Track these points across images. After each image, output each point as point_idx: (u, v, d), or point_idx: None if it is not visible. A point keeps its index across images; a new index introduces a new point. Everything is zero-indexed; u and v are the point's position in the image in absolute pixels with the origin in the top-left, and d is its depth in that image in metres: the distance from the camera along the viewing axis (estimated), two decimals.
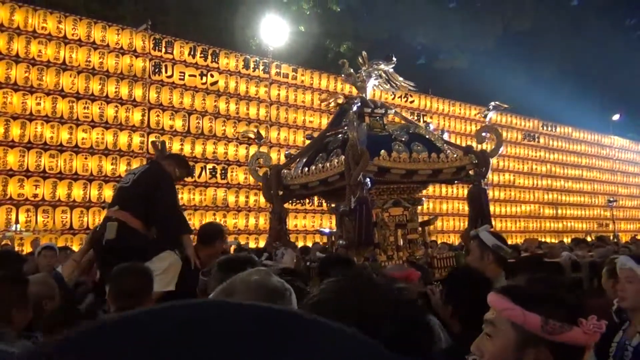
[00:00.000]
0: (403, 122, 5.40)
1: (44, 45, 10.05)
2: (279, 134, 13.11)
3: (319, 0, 19.76)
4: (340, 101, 5.06)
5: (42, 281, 2.92)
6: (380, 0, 22.14)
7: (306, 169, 4.68)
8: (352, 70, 5.17)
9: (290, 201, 5.28)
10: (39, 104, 9.88)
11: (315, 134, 13.26)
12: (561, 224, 19.85)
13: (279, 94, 13.30)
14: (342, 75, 5.04)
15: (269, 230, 5.15)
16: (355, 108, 4.43)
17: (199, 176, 11.64)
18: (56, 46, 10.17)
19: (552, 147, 20.48)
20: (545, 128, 20.47)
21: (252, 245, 11.32)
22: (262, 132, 12.73)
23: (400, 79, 5.18)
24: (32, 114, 9.82)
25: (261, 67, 13.09)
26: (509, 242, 13.66)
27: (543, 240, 15.87)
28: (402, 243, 4.49)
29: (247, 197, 12.05)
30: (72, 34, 10.38)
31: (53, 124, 9.98)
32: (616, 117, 24.52)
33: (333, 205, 4.94)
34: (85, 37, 10.51)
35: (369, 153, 4.08)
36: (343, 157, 4.18)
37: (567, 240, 15.15)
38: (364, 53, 5.19)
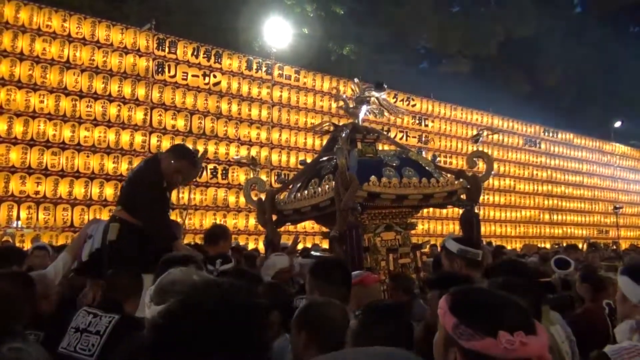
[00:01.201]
0: (396, 148, 5.41)
1: (48, 43, 10.10)
2: (280, 135, 13.15)
3: (322, 2, 19.82)
4: (330, 128, 5.09)
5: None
6: (383, 3, 22.20)
7: (299, 194, 4.70)
8: (345, 96, 5.28)
9: (283, 226, 5.25)
10: (42, 101, 9.92)
11: (317, 136, 13.33)
12: (561, 229, 19.87)
13: (281, 96, 13.34)
14: (335, 105, 5.07)
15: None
16: (344, 135, 4.48)
17: (200, 176, 11.67)
18: (60, 44, 10.22)
19: (553, 153, 20.51)
20: (546, 134, 20.50)
21: (251, 245, 11.35)
22: (264, 133, 12.86)
23: (392, 105, 5.25)
24: (35, 112, 9.86)
25: (264, 69, 13.14)
26: (508, 247, 13.69)
27: (542, 245, 15.89)
28: (393, 268, 4.48)
29: None
30: (77, 33, 10.43)
31: (56, 121, 10.02)
32: (618, 124, 24.54)
33: (326, 230, 4.94)
34: (89, 36, 10.56)
35: (358, 179, 4.11)
36: (334, 182, 4.20)
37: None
38: (356, 80, 5.31)
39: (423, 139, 16.38)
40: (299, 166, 13.19)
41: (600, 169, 22.39)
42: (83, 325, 2.62)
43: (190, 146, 11.45)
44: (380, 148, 5.21)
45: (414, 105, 16.33)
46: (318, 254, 4.99)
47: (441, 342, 1.28)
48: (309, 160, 11.76)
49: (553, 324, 2.37)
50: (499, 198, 17.82)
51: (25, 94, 9.78)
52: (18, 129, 9.63)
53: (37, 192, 9.66)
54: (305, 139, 13.50)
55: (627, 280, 2.38)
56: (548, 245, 16.23)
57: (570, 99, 26.58)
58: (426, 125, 16.63)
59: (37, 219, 9.61)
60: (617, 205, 18.33)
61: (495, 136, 18.20)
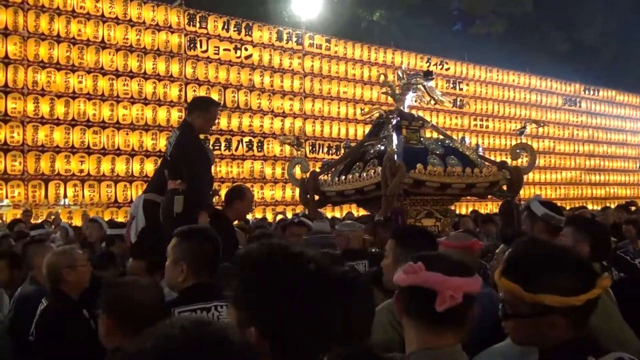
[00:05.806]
0: (439, 135, 5.49)
1: (83, 24, 10.30)
2: (313, 105, 13.15)
3: None
4: (377, 115, 5.18)
5: (63, 251, 3.12)
6: None
7: (342, 177, 4.81)
8: (390, 82, 5.33)
9: (325, 207, 5.40)
10: (80, 82, 10.19)
11: (350, 105, 13.31)
12: (603, 190, 19.38)
13: (312, 66, 13.30)
14: (381, 90, 5.08)
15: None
16: (394, 122, 4.63)
17: (236, 149, 11.84)
18: (95, 25, 10.41)
19: (595, 111, 19.89)
20: (587, 92, 19.87)
21: (289, 215, 11.49)
22: (297, 104, 12.88)
23: (439, 93, 5.26)
24: (74, 92, 10.14)
25: (294, 39, 13.09)
26: None
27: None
28: None
29: (283, 168, 12.18)
30: (110, 12, 10.60)
31: (95, 101, 10.29)
32: None
33: (367, 213, 5.04)
34: (122, 15, 10.71)
35: (405, 165, 4.20)
36: (380, 168, 4.30)
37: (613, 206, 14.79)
38: (403, 67, 5.41)
39: (458, 102, 16.10)
40: (333, 136, 13.22)
41: None
42: None
43: (225, 120, 11.65)
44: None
45: (447, 69, 16.04)
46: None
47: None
48: (342, 130, 11.79)
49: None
50: (538, 160, 17.40)
51: (64, 75, 10.04)
52: (60, 109, 9.93)
53: (81, 171, 10.00)
54: (339, 108, 13.47)
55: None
56: (591, 207, 15.88)
57: (611, 54, 25.53)
58: (461, 89, 16.34)
59: (83, 196, 9.97)
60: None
61: (534, 97, 17.77)
